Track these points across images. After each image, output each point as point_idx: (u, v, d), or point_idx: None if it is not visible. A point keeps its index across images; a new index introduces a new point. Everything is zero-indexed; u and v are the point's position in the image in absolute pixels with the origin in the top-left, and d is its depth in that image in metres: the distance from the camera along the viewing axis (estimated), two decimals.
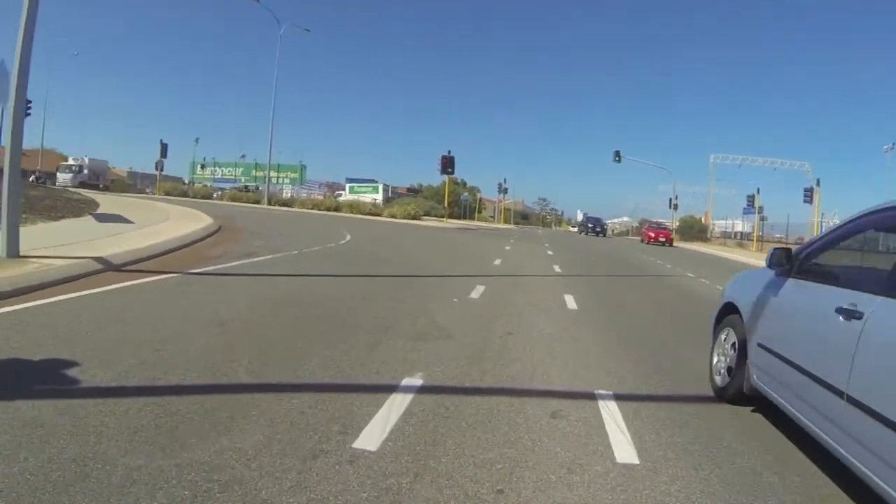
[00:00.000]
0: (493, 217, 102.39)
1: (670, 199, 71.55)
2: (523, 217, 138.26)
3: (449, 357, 6.19)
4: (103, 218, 19.10)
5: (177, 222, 19.93)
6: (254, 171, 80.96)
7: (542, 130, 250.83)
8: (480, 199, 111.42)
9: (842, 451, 3.55)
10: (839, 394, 3.58)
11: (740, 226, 76.59)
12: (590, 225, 71.83)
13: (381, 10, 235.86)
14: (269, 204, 57.37)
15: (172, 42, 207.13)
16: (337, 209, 52.58)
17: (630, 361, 6.84)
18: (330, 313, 7.89)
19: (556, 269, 18.47)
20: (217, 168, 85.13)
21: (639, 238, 78.57)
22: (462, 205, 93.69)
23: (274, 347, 5.94)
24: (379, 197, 78.52)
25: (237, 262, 12.29)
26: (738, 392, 5.43)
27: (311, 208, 54.01)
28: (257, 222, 27.90)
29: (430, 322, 7.93)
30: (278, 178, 79.94)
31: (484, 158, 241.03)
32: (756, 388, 5.15)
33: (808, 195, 56.43)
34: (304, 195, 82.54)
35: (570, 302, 11.04)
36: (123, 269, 10.24)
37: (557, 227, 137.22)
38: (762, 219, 58.16)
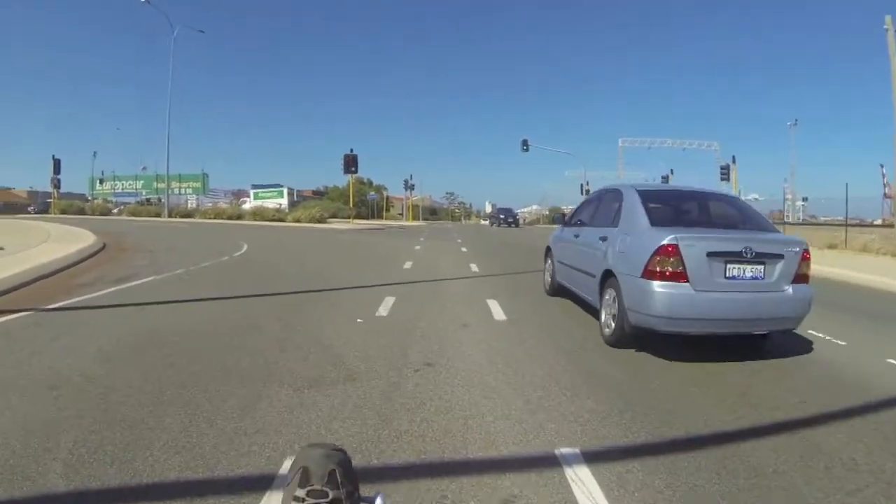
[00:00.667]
0: (402, 215, 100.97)
1: (581, 185, 71.47)
2: (432, 212, 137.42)
3: (349, 412, 4.78)
4: None
5: (54, 245, 17.84)
6: (155, 182, 77.59)
7: (447, 124, 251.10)
8: (388, 198, 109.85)
9: (587, 298, 8.83)
10: (590, 275, 8.58)
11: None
12: (501, 216, 71.86)
13: (277, 11, 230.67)
14: (170, 216, 54.89)
15: (64, 54, 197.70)
16: (240, 217, 50.55)
17: (589, 392, 5.46)
18: (202, 355, 6.38)
19: (474, 268, 17.02)
20: (117, 182, 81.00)
21: (556, 226, 79.21)
22: (369, 204, 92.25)
23: (111, 423, 4.37)
24: (284, 202, 76.49)
25: (107, 290, 10.59)
26: (552, 289, 11.47)
27: (214, 218, 51.57)
28: (150, 238, 25.97)
29: (328, 356, 6.48)
30: (180, 188, 76.93)
31: (389, 156, 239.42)
32: (559, 284, 11.04)
33: (725, 173, 56.77)
34: (210, 204, 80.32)
35: (496, 310, 9.69)
36: None
37: (467, 221, 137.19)
38: None
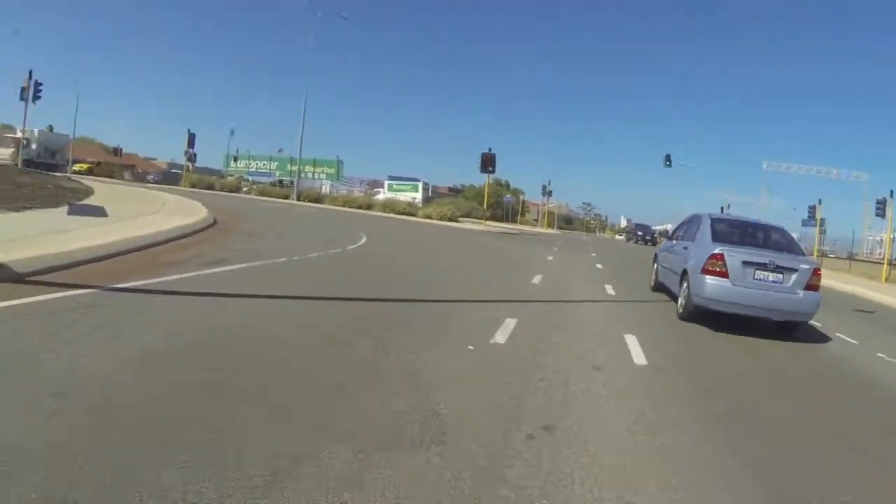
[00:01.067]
0: (537, 221, 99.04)
1: (721, 208, 67.69)
2: (567, 221, 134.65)
3: (424, 498, 3.28)
4: (79, 210, 16.40)
5: (163, 216, 17.34)
6: (289, 165, 78.30)
7: (590, 130, 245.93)
8: (524, 202, 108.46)
9: (672, 289, 13.00)
10: (675, 273, 12.72)
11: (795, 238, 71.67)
12: (639, 233, 68.29)
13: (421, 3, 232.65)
14: (299, 200, 55.09)
15: (209, 34, 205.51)
16: (369, 207, 50.02)
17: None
18: (254, 375, 5.01)
19: (609, 290, 14.96)
20: (251, 161, 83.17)
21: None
22: (504, 207, 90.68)
23: (92, 465, 3.08)
24: (419, 196, 75.27)
25: (191, 274, 9.42)
26: (655, 286, 15.36)
27: (343, 205, 51.39)
28: (266, 219, 25.41)
29: (418, 398, 4.92)
30: (314, 173, 77.29)
31: (528, 159, 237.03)
32: (660, 283, 14.96)
33: (881, 208, 52.28)
34: (344, 191, 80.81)
35: (635, 349, 7.82)
36: (29, 279, 7.57)
37: (602, 234, 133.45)
38: (822, 232, 54.89)
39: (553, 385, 5.85)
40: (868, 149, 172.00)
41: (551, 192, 78.90)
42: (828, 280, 30.97)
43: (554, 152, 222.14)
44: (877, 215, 52.29)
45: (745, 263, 10.62)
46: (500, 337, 7.64)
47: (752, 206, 75.52)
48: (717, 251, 10.80)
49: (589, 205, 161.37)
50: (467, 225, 44.28)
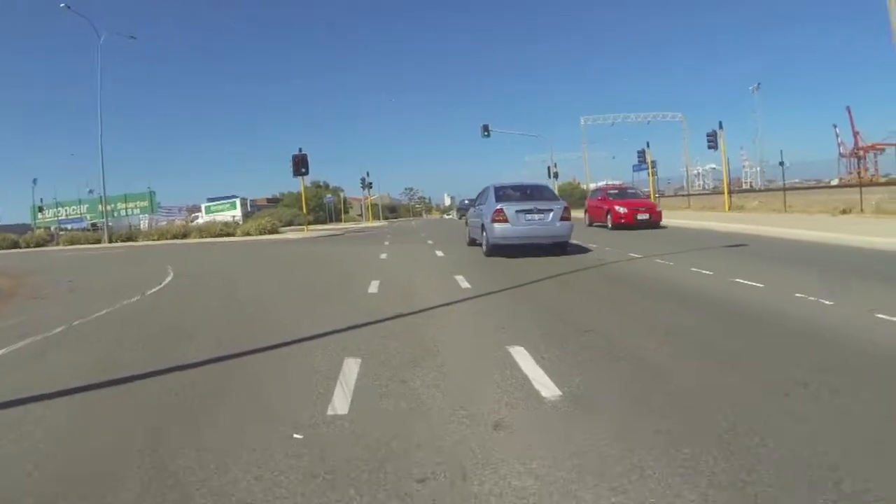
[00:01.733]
0: (361, 215, 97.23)
1: (549, 168, 68.42)
2: (391, 210, 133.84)
3: None
4: None
5: None
6: (99, 206, 73.03)
7: (401, 117, 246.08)
8: (346, 199, 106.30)
9: (478, 239, 19.93)
10: (479, 227, 19.46)
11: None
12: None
13: (214, 16, 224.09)
14: (111, 241, 50.83)
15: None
16: (185, 236, 46.30)
17: None
18: None
19: (462, 283, 13.39)
20: (60, 208, 75.96)
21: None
22: (327, 207, 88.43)
23: None
24: (238, 213, 72.35)
25: None
26: (469, 241, 22.29)
27: (157, 239, 47.29)
28: (62, 273, 21.90)
29: None
30: (126, 209, 72.48)
31: (345, 157, 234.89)
32: (470, 238, 22.13)
33: (713, 140, 53.97)
34: (164, 223, 76.74)
35: (536, 374, 5.81)
36: None
37: (428, 215, 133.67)
38: (654, 173, 56.28)
39: (439, 486, 3.67)
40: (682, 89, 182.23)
41: (371, 183, 76.91)
42: (677, 220, 31.15)
43: (369, 146, 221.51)
44: (709, 148, 54.10)
45: (518, 211, 17.37)
46: (341, 399, 5.38)
47: (575, 161, 77.03)
48: (498, 206, 17.47)
49: (411, 189, 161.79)
50: (290, 234, 41.84)
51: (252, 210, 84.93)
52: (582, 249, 19.09)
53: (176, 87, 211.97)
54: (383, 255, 21.35)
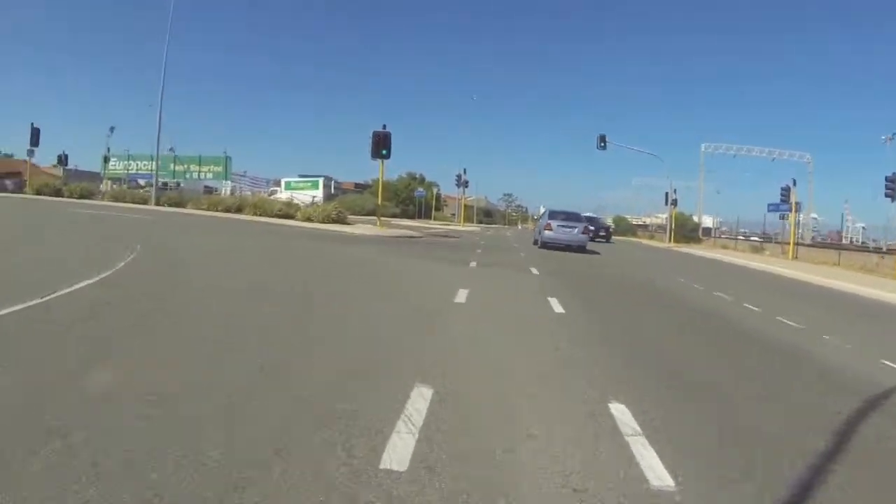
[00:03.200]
0: (454, 216, 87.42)
1: (667, 193, 57.54)
2: (487, 214, 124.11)
3: None
4: None
5: None
6: (172, 164, 65.85)
7: (509, 119, 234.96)
8: (441, 196, 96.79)
9: (538, 239, 31.99)
10: (539, 233, 32.23)
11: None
12: (590, 227, 50.63)
13: None
14: (158, 203, 42.85)
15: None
16: (239, 210, 37.72)
17: None
18: None
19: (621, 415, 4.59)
20: (131, 161, 69.55)
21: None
22: (417, 201, 79.26)
23: None
24: (319, 194, 64.75)
25: None
26: (539, 244, 30.87)
27: (207, 208, 39.11)
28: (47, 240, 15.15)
29: None
30: (199, 172, 65.22)
31: (447, 153, 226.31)
32: (536, 240, 32.36)
33: (785, 195, 43.85)
34: (248, 192, 70.54)
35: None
36: None
37: (524, 225, 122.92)
38: (797, 213, 46.14)
39: None
40: (806, 129, 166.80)
41: (467, 182, 66.66)
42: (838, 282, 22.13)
43: (472, 143, 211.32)
44: (782, 201, 44.27)
45: (558, 225, 29.38)
46: None
47: (683, 190, 66.60)
48: (548, 220, 30.26)
49: (510, 195, 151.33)
50: (360, 227, 32.25)
51: (336, 193, 77.05)
52: (594, 251, 31.33)
53: (278, 61, 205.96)
54: (461, 298, 10.97)
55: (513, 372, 5.84)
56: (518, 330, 8.45)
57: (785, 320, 11.12)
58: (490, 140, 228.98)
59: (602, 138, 52.32)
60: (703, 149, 75.17)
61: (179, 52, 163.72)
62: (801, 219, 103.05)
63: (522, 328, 8.63)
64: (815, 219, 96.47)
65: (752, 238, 67.22)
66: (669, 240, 55.34)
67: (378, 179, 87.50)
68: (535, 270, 17.50)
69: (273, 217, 35.18)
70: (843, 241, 77.56)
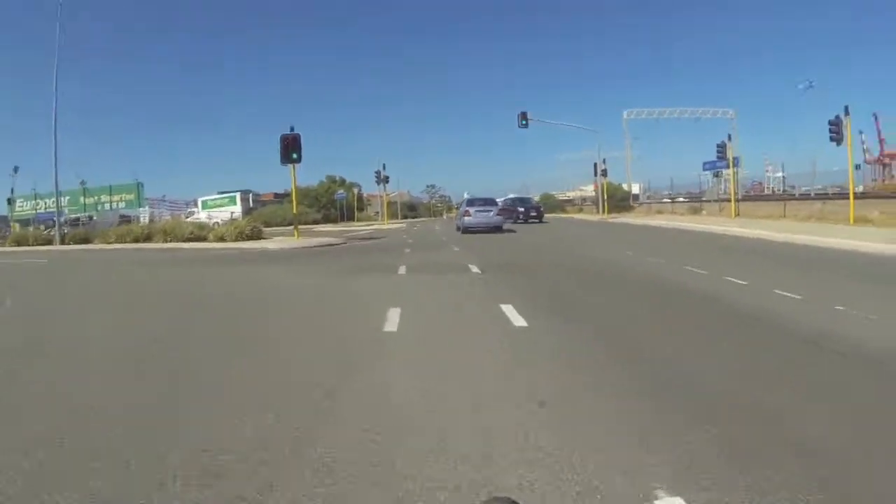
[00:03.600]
0: (379, 214, 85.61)
1: (595, 165, 56.69)
2: (411, 209, 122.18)
3: None
4: None
5: None
6: (81, 198, 62.66)
7: (421, 110, 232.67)
8: (362, 196, 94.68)
9: (458, 224, 37.72)
10: (460, 219, 37.32)
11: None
12: (520, 209, 49.37)
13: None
14: (63, 242, 40.01)
15: None
16: (148, 238, 35.20)
17: None
18: None
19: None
20: (39, 200, 65.59)
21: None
22: (338, 205, 77.26)
23: None
24: (237, 209, 62.54)
25: None
26: (460, 230, 35.10)
27: (115, 241, 36.55)
28: None
29: None
30: (111, 202, 62.22)
31: (367, 154, 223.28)
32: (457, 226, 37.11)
33: (721, 152, 43.73)
34: (168, 216, 67.61)
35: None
36: None
37: (448, 215, 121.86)
38: (716, 175, 46.73)
39: None
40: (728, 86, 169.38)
41: (387, 177, 64.38)
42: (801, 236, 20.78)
43: (390, 137, 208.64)
44: (718, 157, 44.42)
45: (476, 210, 34.21)
46: None
47: (615, 159, 66.21)
48: (466, 207, 35.05)
49: (433, 187, 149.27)
50: (274, 242, 30.45)
51: (255, 206, 74.66)
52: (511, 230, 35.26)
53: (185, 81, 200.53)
54: (390, 325, 8.89)
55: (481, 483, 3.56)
56: (472, 369, 6.24)
57: (812, 301, 9.71)
58: (408, 132, 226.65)
59: (523, 115, 51.47)
60: (625, 115, 74.37)
61: (79, 86, 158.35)
62: (725, 175, 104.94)
63: (478, 365, 6.43)
64: (737, 171, 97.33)
65: (678, 200, 67.27)
66: (602, 211, 54.27)
67: (306, 186, 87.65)
68: (474, 268, 15.60)
69: (185, 241, 32.88)
70: (765, 192, 78.51)
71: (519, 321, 8.60)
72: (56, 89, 42.46)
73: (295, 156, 29.95)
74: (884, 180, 78.68)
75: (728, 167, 43.56)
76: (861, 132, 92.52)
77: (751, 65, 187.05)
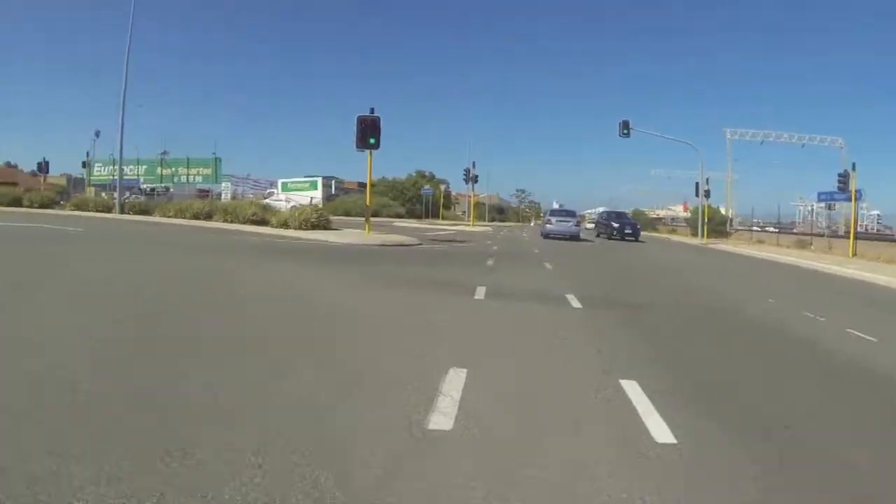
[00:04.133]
0: (465, 213, 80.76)
1: (697, 184, 50.42)
2: (499, 212, 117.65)
3: None
4: None
5: None
6: (159, 168, 60.35)
7: (517, 114, 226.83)
8: (449, 193, 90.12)
9: (543, 231, 40.98)
10: (543, 227, 43.38)
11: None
12: (614, 224, 44.94)
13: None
14: (123, 211, 37.15)
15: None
16: (209, 216, 31.82)
17: None
18: None
19: None
20: (115, 167, 62.57)
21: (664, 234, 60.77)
22: (424, 200, 72.98)
23: None
24: (318, 195, 59.42)
25: None
26: (542, 234, 40.19)
27: (174, 216, 33.12)
28: None
29: None
30: (188, 175, 59.83)
31: (459, 151, 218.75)
32: (541, 232, 41.72)
33: (843, 181, 36.95)
34: (251, 195, 65.84)
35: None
36: None
37: (537, 222, 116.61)
38: (830, 208, 39.96)
39: None
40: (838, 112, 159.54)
41: (476, 177, 59.33)
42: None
43: (484, 137, 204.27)
44: (839, 188, 38.40)
45: (557, 220, 39.20)
46: None
47: (712, 180, 59.74)
48: (549, 217, 41.01)
49: (523, 191, 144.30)
50: (341, 235, 26.13)
51: (338, 193, 71.52)
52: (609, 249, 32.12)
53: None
54: (443, 409, 4.71)
55: None
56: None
57: None
58: (503, 133, 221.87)
59: (625, 124, 45.72)
60: (728, 135, 68.37)
61: (171, 58, 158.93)
62: (813, 207, 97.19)
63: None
64: (878, 215, 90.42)
65: (766, 229, 61.34)
66: (703, 235, 48.08)
67: (382, 178, 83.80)
68: (573, 300, 11.03)
69: (245, 223, 29.11)
70: (859, 230, 72.26)
71: (658, 427, 4.55)
72: (129, 52, 38.94)
73: (373, 140, 25.53)
74: None
75: (849, 199, 37.05)
76: None
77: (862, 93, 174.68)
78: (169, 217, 33.06)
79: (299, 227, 26.94)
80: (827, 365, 7.37)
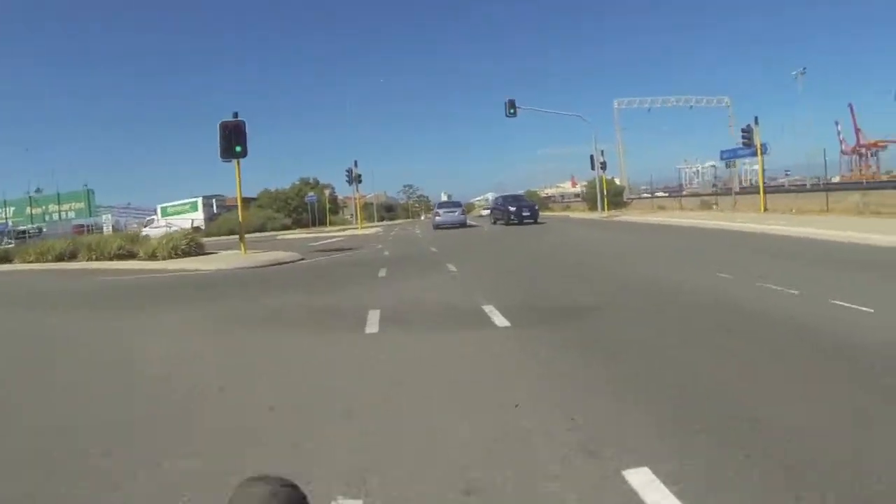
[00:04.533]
0: (353, 216, 78.85)
1: (592, 156, 49.36)
2: (388, 210, 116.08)
3: None
4: None
5: None
6: (28, 208, 56.31)
7: (398, 107, 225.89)
8: (335, 198, 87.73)
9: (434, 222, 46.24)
10: (433, 219, 47.23)
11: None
12: (511, 207, 43.37)
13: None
14: None
15: None
16: (73, 256, 28.94)
17: None
18: None
19: None
20: None
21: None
22: (310, 208, 70.72)
23: None
24: (199, 216, 56.91)
25: None
26: (434, 226, 44.79)
27: (34, 260, 30.06)
28: None
29: None
30: (59, 211, 55.89)
31: (344, 154, 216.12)
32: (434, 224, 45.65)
33: (748, 136, 37.22)
34: (134, 225, 61.87)
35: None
36: None
37: (427, 216, 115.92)
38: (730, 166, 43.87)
39: None
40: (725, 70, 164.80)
41: (360, 176, 57.09)
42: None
43: (366, 137, 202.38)
44: (743, 143, 38.75)
45: (444, 211, 44.56)
46: None
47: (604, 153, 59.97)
48: (437, 209, 46.73)
49: (410, 187, 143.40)
50: (213, 261, 24.19)
51: (220, 211, 67.92)
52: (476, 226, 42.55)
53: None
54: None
55: None
56: None
57: None
58: (384, 131, 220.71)
59: (511, 103, 45.91)
60: (615, 105, 69.61)
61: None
62: (699, 168, 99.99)
63: None
64: (713, 167, 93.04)
65: (657, 194, 62.28)
66: (604, 208, 47.59)
67: (265, 190, 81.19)
68: (496, 316, 8.96)
69: (112, 259, 26.60)
70: (743, 184, 75.26)
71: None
72: None
73: (239, 148, 23.29)
74: (860, 169, 79.92)
75: (755, 154, 37.25)
76: (837, 123, 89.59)
77: (744, 53, 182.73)
78: (29, 262, 29.79)
79: (168, 257, 24.59)
80: (864, 364, 5.70)
